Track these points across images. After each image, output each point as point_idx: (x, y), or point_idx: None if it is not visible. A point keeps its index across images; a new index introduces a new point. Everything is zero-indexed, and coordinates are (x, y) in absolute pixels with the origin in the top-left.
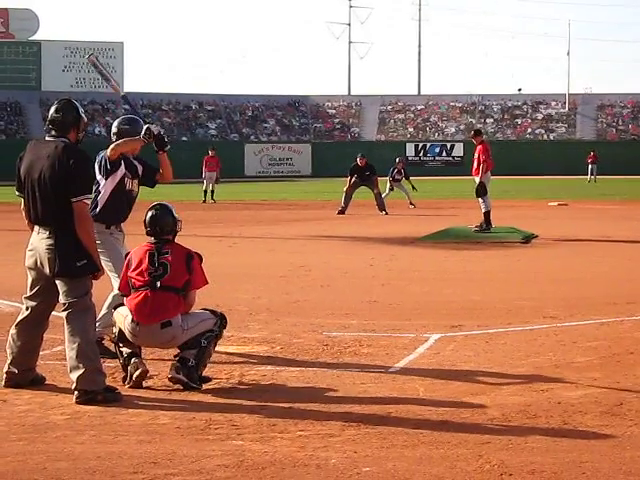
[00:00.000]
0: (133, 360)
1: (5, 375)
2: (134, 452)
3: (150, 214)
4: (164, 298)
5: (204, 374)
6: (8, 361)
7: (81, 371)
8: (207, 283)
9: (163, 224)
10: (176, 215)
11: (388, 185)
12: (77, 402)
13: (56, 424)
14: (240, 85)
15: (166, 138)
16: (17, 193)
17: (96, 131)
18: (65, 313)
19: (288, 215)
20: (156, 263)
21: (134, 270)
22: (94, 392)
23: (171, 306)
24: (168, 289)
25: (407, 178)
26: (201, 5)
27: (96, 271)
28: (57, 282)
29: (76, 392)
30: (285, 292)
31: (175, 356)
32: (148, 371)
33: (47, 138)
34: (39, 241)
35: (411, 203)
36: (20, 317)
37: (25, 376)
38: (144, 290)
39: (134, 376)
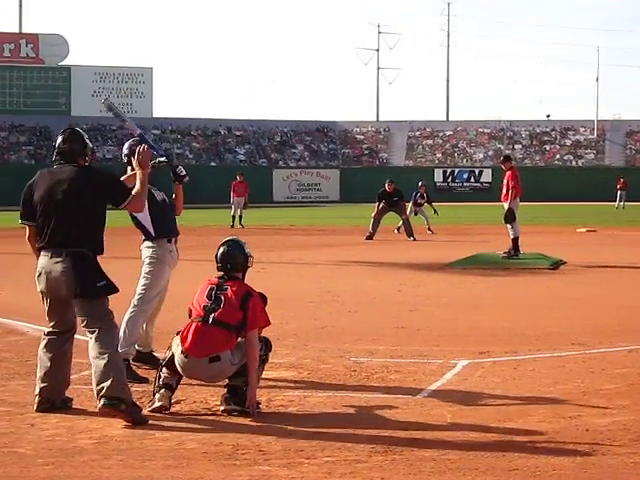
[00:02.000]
0: (162, 391)
1: (38, 396)
2: (161, 477)
3: (222, 250)
4: (214, 333)
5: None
6: (39, 379)
7: (109, 380)
8: (269, 324)
9: (234, 261)
10: (247, 251)
11: (410, 209)
12: (101, 409)
13: (83, 448)
14: (269, 110)
15: (184, 172)
16: (24, 222)
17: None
18: (93, 334)
19: (316, 240)
20: (213, 297)
21: (196, 300)
22: (119, 399)
23: (221, 341)
24: (220, 324)
25: (429, 203)
26: (230, 30)
27: (114, 292)
28: (77, 303)
29: (102, 399)
30: (313, 317)
31: (225, 386)
32: (168, 408)
33: (56, 166)
34: (52, 265)
35: (429, 229)
36: (47, 330)
37: (58, 392)
38: (196, 322)
39: (153, 406)
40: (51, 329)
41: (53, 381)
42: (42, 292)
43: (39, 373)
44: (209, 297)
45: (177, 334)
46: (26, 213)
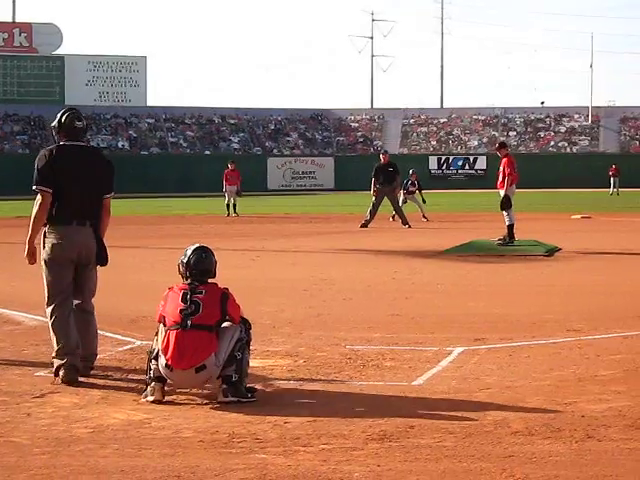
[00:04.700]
0: (154, 384)
1: (65, 364)
2: (157, 465)
3: (196, 257)
4: (196, 337)
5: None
6: (61, 349)
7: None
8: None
9: (209, 267)
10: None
11: (402, 198)
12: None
13: (80, 437)
14: (263, 98)
15: None
16: (41, 187)
17: (119, 145)
18: (92, 300)
19: (311, 228)
20: (189, 301)
21: (169, 307)
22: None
23: (204, 345)
24: (200, 327)
25: (420, 190)
26: (224, 19)
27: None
28: (88, 270)
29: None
30: (308, 305)
31: (218, 377)
32: (162, 401)
33: (67, 143)
34: (78, 232)
35: (424, 216)
36: (62, 310)
37: (79, 358)
38: (175, 330)
39: (147, 399)
40: (58, 301)
41: (75, 351)
42: (68, 259)
43: (59, 345)
44: (184, 301)
45: (159, 322)
46: (43, 180)
